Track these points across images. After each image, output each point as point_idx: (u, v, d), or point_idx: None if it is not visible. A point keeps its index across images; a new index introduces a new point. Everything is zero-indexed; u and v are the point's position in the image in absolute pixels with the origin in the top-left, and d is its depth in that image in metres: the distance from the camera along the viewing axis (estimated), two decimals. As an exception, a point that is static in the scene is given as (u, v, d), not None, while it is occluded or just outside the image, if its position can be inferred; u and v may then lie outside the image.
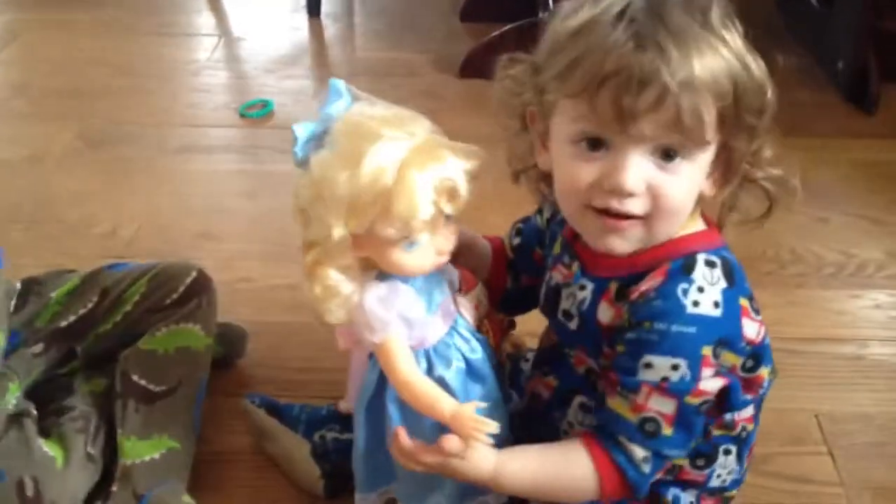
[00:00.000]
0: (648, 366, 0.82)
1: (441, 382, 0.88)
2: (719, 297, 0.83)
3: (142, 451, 1.09)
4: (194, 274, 1.18)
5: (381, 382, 0.91)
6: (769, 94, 0.80)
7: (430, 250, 0.84)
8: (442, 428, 0.84)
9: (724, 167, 0.84)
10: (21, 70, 2.22)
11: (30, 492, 1.03)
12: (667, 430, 0.84)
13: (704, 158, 0.81)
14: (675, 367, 0.82)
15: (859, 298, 1.46)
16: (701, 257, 0.84)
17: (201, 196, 1.72)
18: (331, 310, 0.85)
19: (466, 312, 0.93)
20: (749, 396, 0.91)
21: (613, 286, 0.87)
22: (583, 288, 0.90)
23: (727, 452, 0.93)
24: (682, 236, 0.86)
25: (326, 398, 1.19)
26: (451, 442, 0.82)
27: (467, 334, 0.92)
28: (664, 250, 0.85)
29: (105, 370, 1.17)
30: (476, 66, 2.09)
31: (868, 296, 1.46)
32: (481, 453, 0.84)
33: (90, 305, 1.17)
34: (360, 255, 0.85)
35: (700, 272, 0.83)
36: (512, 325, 1.04)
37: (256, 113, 1.98)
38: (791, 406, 1.23)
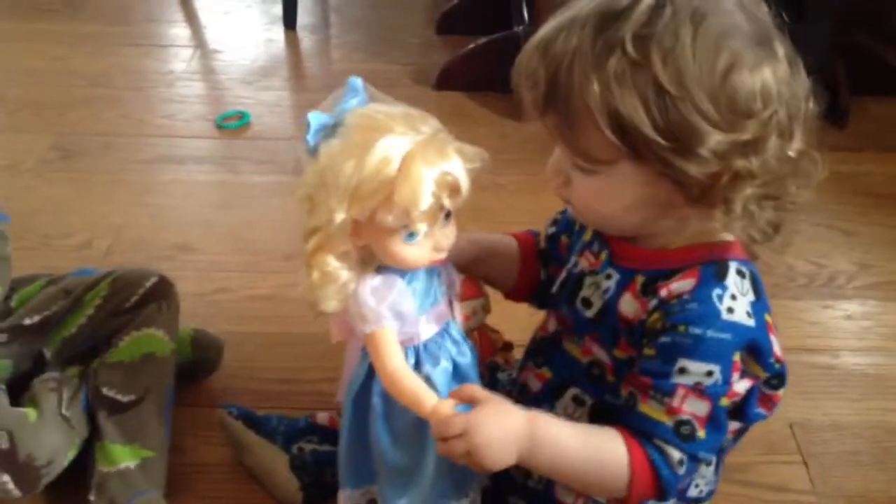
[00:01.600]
0: (683, 371, 0.82)
1: (427, 380, 0.88)
2: (749, 309, 0.83)
3: (119, 456, 1.09)
4: (154, 279, 1.19)
5: (369, 376, 0.91)
6: (645, 123, 0.75)
7: (427, 245, 0.86)
8: (424, 423, 0.85)
9: (694, 192, 0.79)
10: (-5, 80, 2.21)
11: (4, 445, 1.03)
12: (701, 433, 0.84)
13: (624, 174, 0.80)
14: (709, 374, 0.82)
15: (831, 309, 1.47)
16: (733, 265, 0.84)
17: (178, 207, 1.72)
18: (326, 297, 0.86)
19: (457, 319, 0.94)
20: (763, 410, 0.92)
21: (640, 279, 0.87)
22: (609, 277, 0.90)
23: (708, 464, 0.94)
24: (715, 242, 0.85)
25: (304, 409, 1.19)
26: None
27: (458, 338, 0.93)
28: (696, 252, 0.85)
29: (78, 362, 1.18)
30: (452, 79, 2.10)
31: (839, 306, 1.48)
32: (505, 406, 0.84)
33: (54, 308, 1.17)
34: (360, 243, 0.86)
35: (732, 280, 0.83)
36: (508, 346, 1.04)
37: (233, 124, 1.98)
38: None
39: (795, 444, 1.22)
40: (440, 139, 0.84)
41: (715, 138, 0.75)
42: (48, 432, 1.06)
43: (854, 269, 1.56)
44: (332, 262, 0.85)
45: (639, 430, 0.85)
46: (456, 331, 0.93)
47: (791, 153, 0.79)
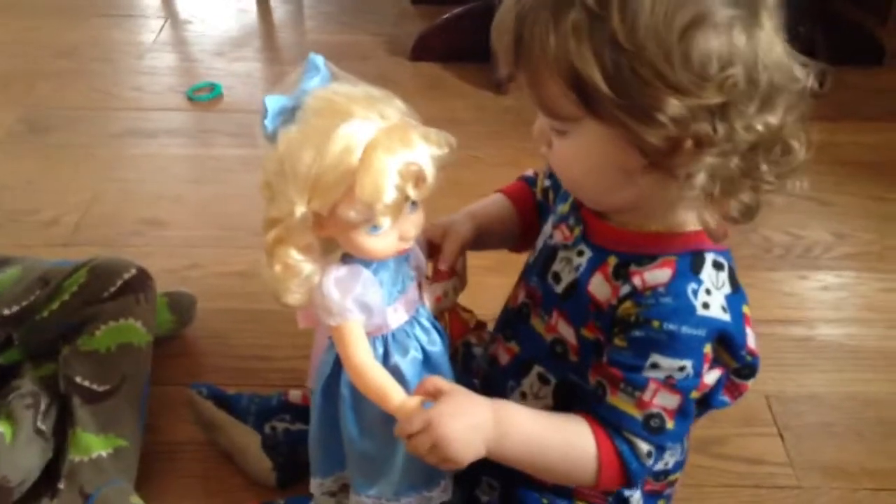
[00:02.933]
0: (655, 366, 0.81)
1: (396, 370, 0.87)
2: (724, 303, 0.82)
3: (91, 445, 1.07)
4: (133, 270, 1.17)
5: (338, 364, 0.90)
6: (599, 79, 0.72)
7: (393, 235, 0.83)
8: (391, 416, 0.84)
9: (654, 157, 0.76)
10: (-40, 53, 2.17)
11: None
12: (670, 424, 0.83)
13: (588, 134, 0.77)
14: (681, 369, 0.81)
15: (807, 280, 1.47)
16: (709, 256, 0.82)
17: (147, 181, 1.69)
18: (290, 290, 0.83)
19: (427, 301, 0.92)
20: (727, 398, 0.91)
21: (612, 260, 0.85)
22: (581, 254, 0.88)
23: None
24: (690, 231, 0.83)
25: (277, 387, 1.18)
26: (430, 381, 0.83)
27: (428, 325, 0.91)
28: (670, 240, 0.83)
29: (51, 357, 1.16)
30: (428, 49, 2.08)
31: (815, 277, 1.48)
32: (470, 398, 0.83)
33: (32, 297, 1.15)
34: (323, 235, 0.83)
35: (707, 273, 0.82)
36: (481, 326, 1.03)
37: (204, 96, 1.95)
38: (742, 388, 1.25)
39: (771, 416, 1.22)
40: (404, 125, 0.81)
41: (670, 101, 0.71)
42: (23, 454, 1.05)
43: (830, 239, 1.56)
44: (294, 255, 0.82)
45: (607, 422, 0.84)
46: (426, 317, 0.91)
47: (760, 126, 0.74)
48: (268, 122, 0.81)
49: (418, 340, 0.90)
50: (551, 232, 0.94)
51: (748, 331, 0.85)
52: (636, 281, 0.82)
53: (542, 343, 0.93)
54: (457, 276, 0.97)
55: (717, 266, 0.83)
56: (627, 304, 0.82)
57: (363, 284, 0.84)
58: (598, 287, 0.86)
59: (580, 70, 0.72)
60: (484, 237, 1.00)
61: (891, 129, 1.85)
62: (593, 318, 0.87)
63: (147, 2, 2.42)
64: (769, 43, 0.74)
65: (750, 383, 0.90)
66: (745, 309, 0.84)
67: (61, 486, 1.05)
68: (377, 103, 0.80)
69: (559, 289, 0.90)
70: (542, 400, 0.94)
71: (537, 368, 0.94)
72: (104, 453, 1.07)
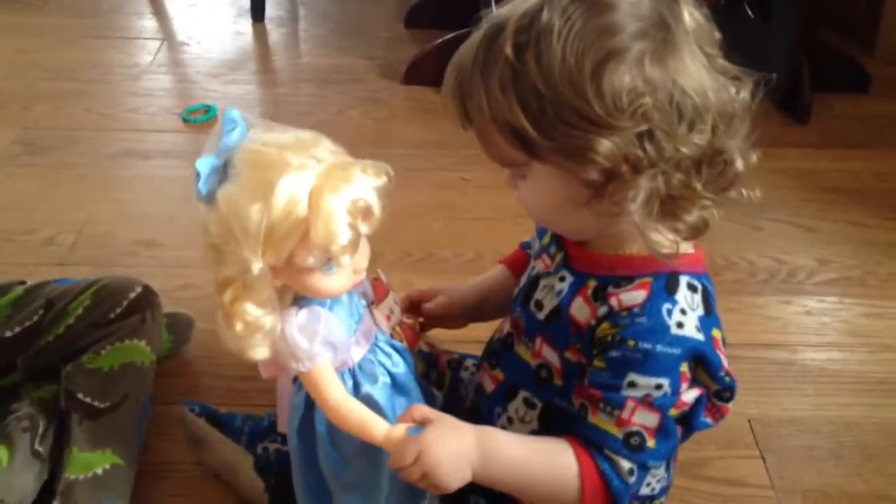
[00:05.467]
0: (633, 384, 0.83)
1: (368, 399, 0.88)
2: (698, 324, 0.84)
3: (87, 463, 1.08)
4: (139, 289, 1.18)
5: (309, 403, 0.91)
6: (528, 128, 0.76)
7: (348, 270, 0.84)
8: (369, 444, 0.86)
9: (598, 186, 0.80)
10: (-42, 73, 2.19)
11: None
12: (651, 443, 0.85)
13: (538, 175, 0.81)
14: (658, 387, 0.83)
15: (790, 304, 1.50)
16: (684, 279, 0.85)
17: (142, 202, 1.71)
18: (254, 345, 0.83)
19: (381, 324, 0.94)
20: (709, 420, 0.92)
21: (592, 283, 0.88)
22: (562, 279, 0.91)
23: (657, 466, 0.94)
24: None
25: (269, 407, 1.18)
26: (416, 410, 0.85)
27: (388, 349, 0.93)
28: (646, 262, 0.85)
29: (52, 379, 1.17)
30: (420, 73, 2.10)
31: (799, 302, 1.50)
32: (456, 424, 0.85)
33: (35, 318, 1.16)
34: (278, 284, 0.83)
35: (682, 294, 0.84)
36: (425, 327, 1.06)
37: (200, 118, 1.97)
38: (725, 410, 1.27)
39: (753, 438, 1.24)
40: (342, 163, 0.82)
41: (595, 137, 0.75)
42: (20, 478, 1.06)
43: (814, 264, 1.58)
44: (254, 311, 0.82)
45: (589, 441, 0.86)
46: (384, 341, 0.93)
47: (685, 148, 0.77)
48: (201, 186, 0.81)
49: (383, 365, 0.91)
50: (533, 264, 0.98)
51: (720, 354, 0.87)
52: (613, 302, 0.85)
53: (528, 369, 0.95)
54: (391, 293, 0.99)
55: (692, 288, 0.85)
56: (605, 324, 0.85)
57: (326, 325, 0.84)
58: (579, 309, 0.88)
59: (511, 121, 0.77)
60: (483, 312, 1.08)
61: (875, 157, 1.88)
62: (574, 340, 0.89)
63: (144, 23, 2.45)
64: (687, 67, 0.77)
65: (731, 406, 0.92)
66: (716, 332, 0.86)
67: (56, 503, 1.06)
68: (308, 147, 0.81)
69: (542, 315, 0.92)
70: (527, 424, 0.96)
71: (523, 393, 0.96)
72: (100, 471, 1.08)
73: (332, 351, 0.85)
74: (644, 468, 0.86)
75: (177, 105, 2.04)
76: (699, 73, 0.78)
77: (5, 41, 2.29)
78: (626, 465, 0.85)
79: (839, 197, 1.75)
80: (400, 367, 0.93)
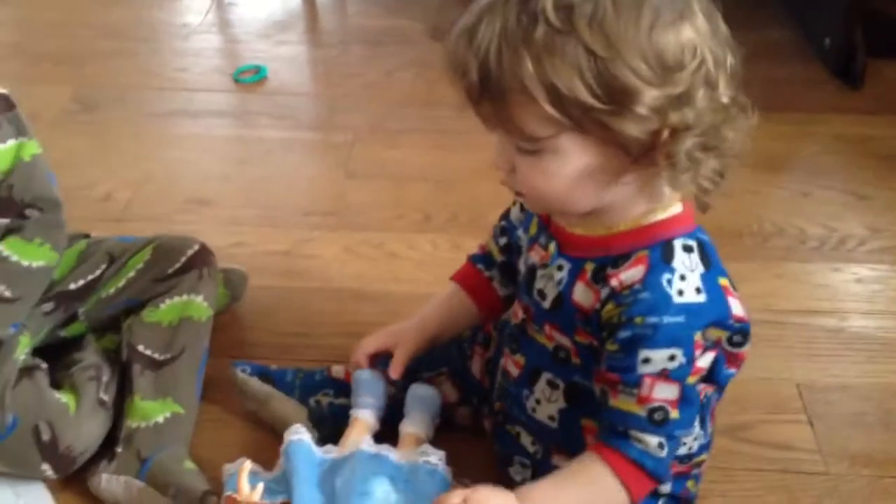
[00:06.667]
0: (647, 360, 0.85)
1: None
2: (700, 283, 0.85)
3: (148, 412, 1.11)
4: (196, 247, 1.21)
5: None
6: (581, 90, 0.75)
7: None
8: None
9: (637, 152, 0.80)
10: (15, 32, 2.22)
11: (46, 436, 1.05)
12: (674, 414, 0.86)
13: (567, 147, 0.80)
14: (672, 358, 0.84)
15: (840, 272, 1.48)
16: (678, 243, 0.86)
17: (195, 161, 1.74)
18: None
19: None
20: (732, 370, 0.94)
21: (590, 267, 0.89)
22: (560, 268, 0.92)
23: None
24: (656, 221, 0.87)
25: (319, 362, 1.21)
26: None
27: None
28: (639, 235, 0.87)
29: (114, 329, 1.21)
30: (469, 35, 2.09)
31: (849, 269, 1.49)
32: (493, 489, 0.87)
33: (98, 272, 1.19)
34: None
35: (679, 259, 0.85)
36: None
37: (250, 78, 1.99)
38: (773, 376, 1.27)
39: (801, 404, 1.24)
40: None
41: (650, 94, 0.76)
42: (87, 424, 1.09)
43: (866, 232, 1.57)
44: None
45: (613, 427, 0.88)
46: None
47: (722, 100, 0.80)
48: None
49: None
50: (527, 255, 0.98)
51: (731, 300, 0.88)
52: (614, 283, 0.86)
53: (546, 351, 0.97)
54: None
55: (687, 249, 0.86)
56: (609, 306, 0.86)
57: None
58: (582, 294, 0.90)
59: (561, 86, 0.75)
60: (440, 337, 1.09)
61: (930, 124, 1.85)
62: (582, 324, 0.91)
63: (193, -16, 2.47)
64: (704, 25, 0.79)
65: (746, 350, 0.93)
66: (723, 281, 0.88)
67: (119, 449, 1.09)
68: None
69: (546, 304, 0.94)
70: (555, 403, 0.98)
71: (545, 375, 0.98)
72: (160, 419, 1.11)
73: None
74: (672, 438, 0.88)
75: (226, 65, 2.06)
76: (723, 27, 0.81)
77: (57, 1, 2.32)
78: (653, 440, 0.87)
79: (893, 164, 1.73)
80: None
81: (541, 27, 0.75)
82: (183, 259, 1.19)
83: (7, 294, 1.06)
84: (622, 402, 0.87)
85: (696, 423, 0.96)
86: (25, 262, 1.07)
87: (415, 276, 1.44)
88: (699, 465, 1.02)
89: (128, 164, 1.70)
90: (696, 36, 0.78)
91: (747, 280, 1.42)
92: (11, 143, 1.05)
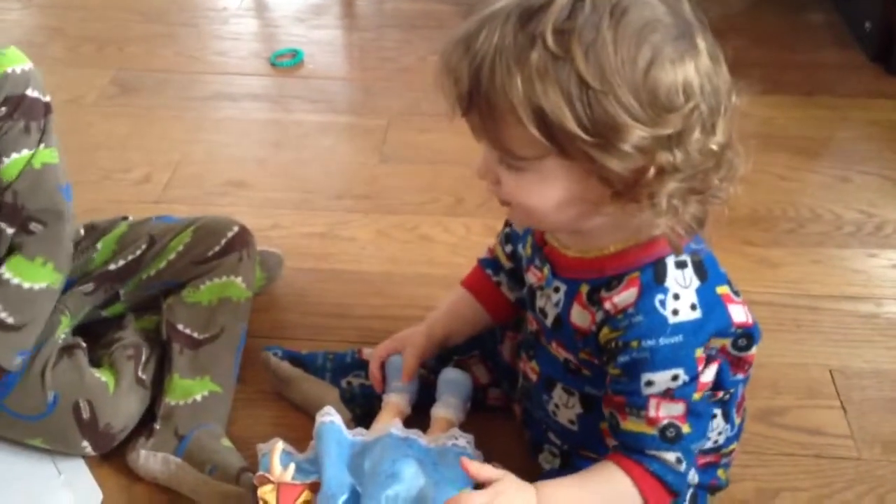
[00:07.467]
0: (650, 383, 0.85)
1: None
2: (695, 299, 0.85)
3: (186, 390, 1.14)
4: (236, 229, 1.23)
5: None
6: (569, 118, 0.74)
7: None
8: None
9: (620, 187, 0.79)
10: (55, 15, 2.24)
11: (86, 414, 1.08)
12: (686, 429, 0.87)
13: (551, 171, 0.79)
14: (675, 378, 0.85)
15: (876, 258, 1.47)
16: (670, 261, 0.86)
17: (233, 144, 1.75)
18: None
19: None
20: (739, 375, 0.95)
21: (584, 289, 0.89)
22: (557, 290, 0.93)
23: (712, 417, 0.95)
24: (648, 241, 0.86)
25: (352, 343, 1.23)
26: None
27: None
28: (631, 256, 0.86)
29: (154, 310, 1.23)
30: (504, 20, 2.09)
31: (885, 255, 1.48)
32: (516, 481, 0.87)
33: (138, 252, 1.21)
34: None
35: (672, 278, 0.85)
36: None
37: (287, 62, 2.00)
38: (806, 361, 1.27)
39: (834, 389, 1.24)
40: None
41: (637, 133, 0.74)
42: (125, 402, 1.11)
43: (903, 218, 1.56)
44: None
45: (629, 447, 0.88)
46: None
47: (713, 146, 0.78)
48: None
49: None
50: (526, 275, 0.99)
51: (731, 308, 0.88)
52: (608, 306, 0.86)
53: (557, 362, 0.97)
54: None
55: (680, 265, 0.86)
56: (605, 329, 0.86)
57: None
58: (579, 316, 0.90)
59: (548, 111, 0.74)
60: (449, 340, 1.10)
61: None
62: (582, 345, 0.91)
63: (231, -32, 2.48)
64: (707, 66, 0.78)
65: (753, 352, 0.93)
66: (721, 289, 0.87)
67: (157, 426, 1.12)
68: None
69: (549, 322, 0.95)
70: (572, 409, 0.99)
71: (560, 384, 0.99)
72: (199, 397, 1.13)
73: None
74: (688, 452, 0.88)
75: (264, 49, 2.07)
76: (724, 70, 0.79)
77: (97, -16, 2.35)
78: (671, 456, 0.87)
79: (934, 151, 1.71)
80: None
81: (537, 49, 0.74)
82: (223, 241, 1.21)
83: (10, 321, 1.05)
84: (632, 423, 0.87)
85: (717, 418, 0.96)
86: (27, 285, 1.06)
87: (448, 260, 1.45)
88: (728, 454, 1.03)
89: (166, 146, 1.72)
90: (696, 77, 0.76)
91: (783, 265, 1.43)
92: (26, 152, 1.04)
